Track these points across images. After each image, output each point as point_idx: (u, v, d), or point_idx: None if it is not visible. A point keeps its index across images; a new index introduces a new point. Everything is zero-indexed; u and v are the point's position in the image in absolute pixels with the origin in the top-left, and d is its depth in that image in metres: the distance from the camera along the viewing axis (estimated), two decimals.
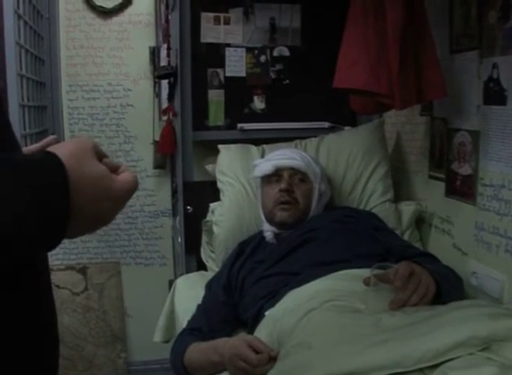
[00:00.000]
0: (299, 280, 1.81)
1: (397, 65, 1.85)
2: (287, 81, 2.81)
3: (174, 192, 3.21)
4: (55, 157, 0.73)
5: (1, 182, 0.65)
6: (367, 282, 1.64)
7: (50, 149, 0.75)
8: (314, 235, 2.04)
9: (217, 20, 2.70)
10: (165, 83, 2.90)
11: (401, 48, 1.87)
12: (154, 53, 3.49)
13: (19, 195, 0.66)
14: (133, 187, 0.85)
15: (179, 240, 2.73)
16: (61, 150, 0.75)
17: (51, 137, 1.15)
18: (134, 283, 3.72)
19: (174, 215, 3.44)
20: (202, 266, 2.61)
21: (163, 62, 2.91)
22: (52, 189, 0.71)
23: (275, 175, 2.19)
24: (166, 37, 2.83)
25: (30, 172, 0.69)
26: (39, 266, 0.86)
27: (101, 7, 3.54)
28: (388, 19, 1.87)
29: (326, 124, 2.82)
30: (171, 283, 3.43)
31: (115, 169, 0.85)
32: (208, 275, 2.41)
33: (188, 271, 2.67)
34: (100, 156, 0.82)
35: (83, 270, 3.68)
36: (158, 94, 3.43)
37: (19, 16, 2.63)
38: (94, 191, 0.77)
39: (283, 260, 2.01)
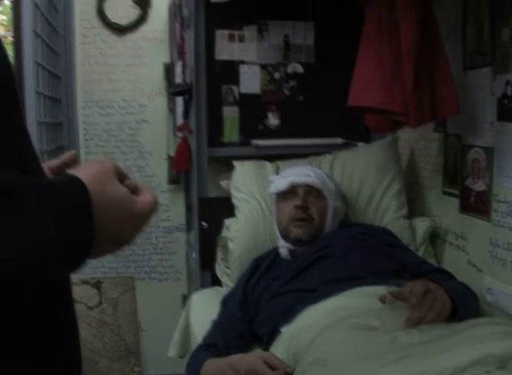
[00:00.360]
0: (314, 297, 1.83)
1: (411, 83, 1.87)
2: (301, 98, 2.83)
3: (188, 208, 3.22)
4: (78, 181, 0.74)
5: (27, 206, 0.66)
6: (382, 299, 1.65)
7: (73, 172, 0.77)
8: (329, 252, 2.06)
9: (231, 38, 2.73)
10: (179, 99, 2.93)
11: (415, 67, 1.89)
12: (169, 69, 3.51)
13: (44, 219, 0.67)
14: (153, 208, 0.87)
15: (194, 255, 2.74)
16: (83, 173, 0.76)
17: (70, 153, 1.18)
18: (148, 297, 3.73)
19: (188, 230, 3.45)
20: (217, 282, 2.61)
21: (178, 79, 2.94)
22: (77, 213, 0.72)
23: (290, 192, 2.22)
24: (181, 54, 2.85)
25: (55, 196, 0.71)
26: (62, 280, 0.88)
27: (116, 24, 3.58)
28: (402, 38, 1.89)
29: (340, 140, 2.83)
30: (184, 297, 3.45)
31: (135, 190, 0.87)
32: (223, 291, 2.43)
33: (203, 286, 2.68)
34: (121, 177, 0.84)
35: (97, 285, 3.69)
36: (172, 110, 3.45)
37: (37, 35, 2.66)
38: (117, 212, 0.79)
39: (298, 277, 2.03)
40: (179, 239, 3.73)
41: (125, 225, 0.81)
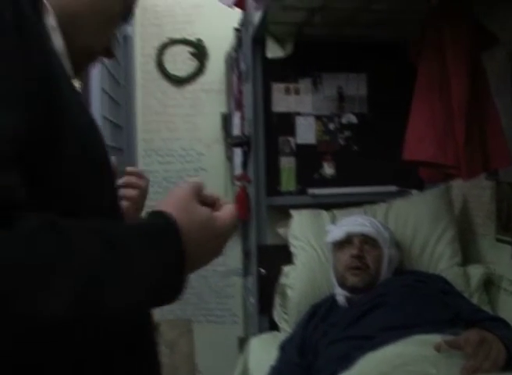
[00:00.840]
0: (371, 345, 1.87)
1: (463, 137, 1.92)
2: (355, 147, 2.92)
3: (246, 254, 3.31)
4: (167, 218, 0.81)
5: (129, 250, 0.73)
6: (438, 348, 1.69)
7: (158, 207, 0.84)
8: (385, 300, 2.11)
9: (287, 90, 2.84)
10: (237, 149, 3.04)
11: (466, 121, 1.94)
12: (226, 119, 3.63)
13: (146, 260, 0.74)
14: (234, 220, 0.92)
15: (252, 300, 2.81)
16: (167, 207, 0.83)
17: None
18: (205, 340, 3.79)
19: (245, 275, 3.53)
20: (274, 326, 2.66)
21: (236, 130, 3.06)
22: (171, 249, 0.79)
23: (347, 241, 2.29)
24: (239, 106, 2.98)
25: (150, 237, 0.77)
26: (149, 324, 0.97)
27: (175, 76, 3.74)
28: (453, 93, 1.95)
29: (394, 188, 2.89)
30: (241, 340, 3.52)
31: (213, 204, 0.92)
32: (281, 336, 2.48)
33: (261, 331, 2.74)
34: (198, 194, 0.89)
35: (155, 327, 3.78)
36: (230, 159, 3.57)
37: (105, 91, 2.81)
38: (202, 235, 0.85)
39: (355, 324, 2.07)
40: (235, 283, 3.81)
41: (210, 243, 0.88)
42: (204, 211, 0.87)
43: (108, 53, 1.14)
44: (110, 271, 0.68)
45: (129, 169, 1.37)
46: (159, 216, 0.82)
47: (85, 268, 0.65)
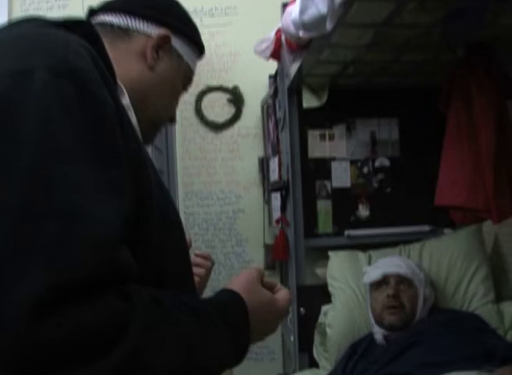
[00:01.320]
0: None
1: (492, 183, 2.03)
2: (389, 189, 3.02)
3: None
4: (237, 297, 0.95)
5: (212, 323, 0.86)
6: None
7: (230, 287, 0.99)
8: (422, 338, 2.20)
9: (323, 137, 2.97)
10: (276, 193, 3.15)
11: (495, 168, 2.04)
12: (263, 163, 3.74)
13: (223, 333, 0.88)
14: (290, 303, 1.09)
15: (292, 338, 2.91)
16: (236, 287, 0.98)
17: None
18: None
19: None
20: (313, 363, 2.75)
21: (274, 174, 3.17)
22: (240, 325, 0.93)
23: (383, 281, 2.39)
24: (277, 152, 3.10)
25: (225, 313, 0.91)
26: None
27: (213, 122, 3.88)
28: (481, 143, 2.06)
29: (427, 227, 2.97)
30: None
31: (272, 288, 1.08)
32: (320, 373, 2.59)
33: (301, 368, 2.82)
34: (261, 280, 1.06)
35: None
36: (267, 201, 3.67)
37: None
38: (264, 313, 1.00)
39: (394, 361, 2.16)
40: None
41: (270, 323, 1.03)
42: (267, 294, 1.04)
43: (172, 120, 1.32)
44: (201, 341, 0.81)
45: (197, 252, 1.54)
46: (230, 294, 0.97)
47: (185, 337, 0.78)
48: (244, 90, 3.90)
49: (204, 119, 3.89)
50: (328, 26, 1.63)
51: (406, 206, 2.99)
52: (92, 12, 1.24)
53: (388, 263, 2.45)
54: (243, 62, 3.85)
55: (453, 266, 2.64)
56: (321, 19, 1.62)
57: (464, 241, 2.71)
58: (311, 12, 1.64)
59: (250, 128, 3.91)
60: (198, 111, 3.89)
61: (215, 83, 3.90)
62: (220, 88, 3.89)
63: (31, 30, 0.87)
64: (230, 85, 3.90)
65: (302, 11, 1.67)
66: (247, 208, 3.88)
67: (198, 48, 1.32)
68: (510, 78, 2.24)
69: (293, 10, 1.87)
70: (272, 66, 3.08)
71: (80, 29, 0.95)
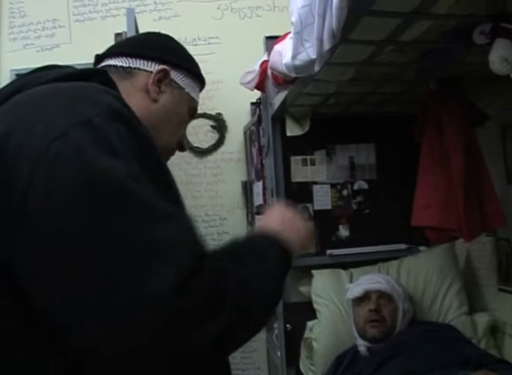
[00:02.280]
0: None
1: (463, 204, 2.18)
2: (367, 211, 3.16)
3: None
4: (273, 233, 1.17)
5: (272, 259, 1.07)
6: None
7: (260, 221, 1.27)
8: (402, 348, 2.35)
9: (304, 162, 3.12)
10: (260, 216, 3.27)
11: (465, 190, 2.21)
12: (246, 186, 3.87)
13: (278, 264, 1.09)
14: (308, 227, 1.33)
15: (279, 354, 3.02)
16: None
17: None
18: None
19: (268, 330, 3.73)
20: None
21: (258, 198, 3.30)
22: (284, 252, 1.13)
23: (365, 297, 2.55)
24: (261, 177, 3.23)
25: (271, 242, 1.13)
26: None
27: (197, 148, 4.00)
28: (452, 167, 2.22)
29: (403, 246, 3.10)
30: None
31: None
32: None
33: None
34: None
35: None
36: (251, 223, 3.79)
37: None
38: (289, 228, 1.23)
39: (377, 371, 2.32)
40: (258, 338, 3.97)
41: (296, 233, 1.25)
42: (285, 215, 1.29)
43: (181, 147, 1.49)
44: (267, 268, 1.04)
45: None
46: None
47: (260, 271, 1.02)
48: (227, 116, 4.03)
49: (188, 145, 4.01)
50: (316, 68, 1.81)
51: (383, 226, 3.13)
52: (98, 58, 1.41)
53: (369, 280, 2.61)
54: (226, 89, 3.98)
55: (429, 281, 2.80)
56: (310, 63, 1.79)
57: (439, 258, 2.86)
58: (302, 58, 1.81)
59: (234, 153, 4.04)
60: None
61: (198, 110, 3.98)
62: (204, 115, 4.01)
63: (71, 86, 1.03)
64: (214, 112, 4.03)
65: (294, 56, 1.84)
66: (231, 230, 3.98)
67: (198, 79, 1.49)
68: (477, 108, 2.43)
69: (282, 52, 2.04)
70: (254, 93, 3.18)
71: (100, 77, 1.12)
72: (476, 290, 2.87)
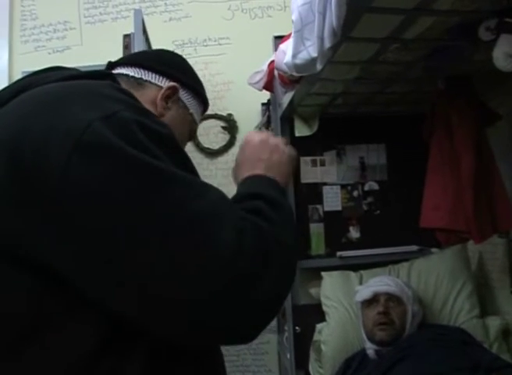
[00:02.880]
0: None
1: (472, 206, 2.15)
2: (378, 212, 3.15)
3: (282, 313, 3.50)
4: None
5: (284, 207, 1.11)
6: None
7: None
8: (411, 351, 2.32)
9: (314, 163, 3.11)
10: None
11: (474, 191, 2.17)
12: None
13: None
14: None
15: (288, 356, 3.00)
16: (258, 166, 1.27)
17: None
18: None
19: (279, 332, 3.71)
20: None
21: None
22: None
23: (374, 300, 2.52)
24: None
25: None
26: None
27: (208, 149, 3.99)
28: (461, 168, 2.18)
29: (415, 247, 3.08)
30: None
31: None
32: None
33: None
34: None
35: None
36: None
37: None
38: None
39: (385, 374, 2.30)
40: (270, 340, 3.96)
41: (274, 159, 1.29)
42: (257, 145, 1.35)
43: None
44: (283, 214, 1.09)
45: None
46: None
47: (280, 220, 1.06)
48: (238, 117, 4.00)
49: (199, 146, 3.99)
50: (318, 66, 1.78)
51: (394, 227, 3.11)
52: (110, 65, 1.43)
53: (378, 282, 2.58)
54: (237, 90, 3.95)
55: (440, 283, 2.76)
56: (312, 62, 1.77)
57: (450, 260, 2.83)
58: (303, 56, 1.79)
59: None
60: (194, 138, 4.00)
61: (209, 111, 3.95)
62: (214, 116, 3.99)
63: (89, 83, 1.06)
64: (224, 113, 4.01)
65: (294, 55, 1.82)
66: None
67: (203, 102, 1.51)
68: (487, 107, 2.39)
69: (286, 51, 2.01)
70: (265, 94, 3.17)
71: (107, 79, 1.14)
72: (488, 292, 2.82)
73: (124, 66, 1.41)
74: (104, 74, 1.20)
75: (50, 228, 0.87)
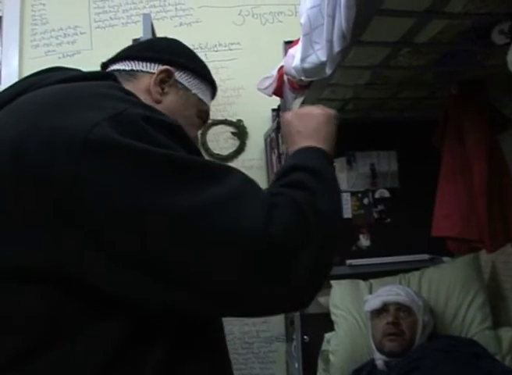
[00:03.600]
0: None
1: (485, 215, 2.11)
2: (389, 220, 3.10)
3: (291, 322, 3.46)
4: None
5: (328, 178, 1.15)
6: None
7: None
8: (421, 363, 2.26)
9: None
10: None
11: (487, 199, 2.12)
12: None
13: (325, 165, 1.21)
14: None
15: (296, 365, 2.97)
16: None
17: None
18: None
19: (288, 340, 3.69)
20: None
21: None
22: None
23: (383, 309, 2.47)
24: None
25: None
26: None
27: (218, 155, 3.98)
28: (474, 175, 2.14)
29: (426, 256, 3.03)
30: None
31: None
32: None
33: None
34: None
35: None
36: None
37: None
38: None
39: None
40: (278, 348, 3.94)
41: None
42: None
43: None
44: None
45: None
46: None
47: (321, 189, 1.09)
48: (248, 123, 4.01)
49: (209, 152, 3.99)
50: (328, 71, 1.74)
51: (405, 236, 3.06)
52: (104, 65, 1.42)
53: (387, 292, 2.53)
54: (247, 96, 3.96)
55: (452, 293, 2.71)
56: (321, 66, 1.73)
57: (462, 269, 2.78)
58: (311, 60, 1.75)
59: (254, 160, 4.01)
60: (203, 144, 3.98)
61: (219, 116, 4.01)
62: (224, 122, 4.00)
63: (91, 84, 1.07)
64: (234, 119, 4.01)
65: (303, 59, 1.79)
66: None
67: (208, 82, 1.46)
68: (501, 113, 2.34)
69: (295, 55, 1.98)
70: (275, 99, 3.16)
71: (111, 78, 1.16)
72: (501, 303, 2.78)
73: (115, 62, 1.39)
74: (106, 75, 1.18)
75: (75, 240, 0.87)
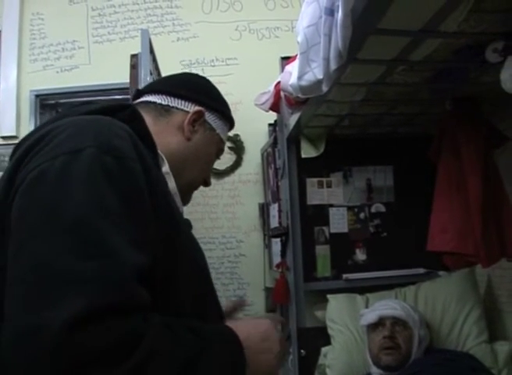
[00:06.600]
0: None
1: (480, 229, 2.12)
2: (385, 234, 3.11)
3: (288, 337, 3.46)
4: (236, 339, 1.05)
5: (212, 347, 0.98)
6: None
7: (233, 325, 1.09)
8: None
9: (320, 184, 3.08)
10: (276, 238, 3.25)
11: (482, 215, 2.14)
12: (263, 208, 3.84)
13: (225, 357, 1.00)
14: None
15: None
16: (241, 330, 1.08)
17: (243, 301, 1.68)
18: None
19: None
20: None
21: (274, 221, 3.28)
22: (239, 364, 1.03)
23: (380, 324, 2.48)
24: (277, 199, 3.21)
25: (224, 343, 1.03)
26: None
27: (214, 169, 3.98)
28: (469, 191, 2.16)
29: (422, 270, 3.04)
30: None
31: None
32: None
33: None
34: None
35: None
36: (267, 245, 3.76)
37: None
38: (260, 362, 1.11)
39: None
40: None
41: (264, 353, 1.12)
42: (270, 357, 1.13)
43: (206, 183, 1.54)
44: (203, 359, 0.94)
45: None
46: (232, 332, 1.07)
47: (185, 355, 0.92)
48: (245, 138, 4.03)
49: None
50: (324, 88, 1.77)
51: (401, 250, 3.07)
52: (139, 92, 1.49)
53: (383, 306, 2.55)
54: (244, 110, 3.94)
55: (448, 307, 2.72)
56: (317, 84, 1.76)
57: (458, 284, 2.79)
58: (308, 78, 1.78)
59: (251, 175, 4.03)
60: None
61: None
62: None
63: (87, 119, 1.08)
64: (231, 133, 4.01)
65: (300, 77, 1.81)
66: (248, 253, 3.98)
67: (229, 122, 1.55)
68: (496, 129, 2.37)
69: (292, 72, 2.00)
70: (272, 114, 3.17)
71: (125, 111, 1.16)
72: (497, 317, 2.79)
73: (151, 94, 1.45)
74: (124, 106, 1.21)
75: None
